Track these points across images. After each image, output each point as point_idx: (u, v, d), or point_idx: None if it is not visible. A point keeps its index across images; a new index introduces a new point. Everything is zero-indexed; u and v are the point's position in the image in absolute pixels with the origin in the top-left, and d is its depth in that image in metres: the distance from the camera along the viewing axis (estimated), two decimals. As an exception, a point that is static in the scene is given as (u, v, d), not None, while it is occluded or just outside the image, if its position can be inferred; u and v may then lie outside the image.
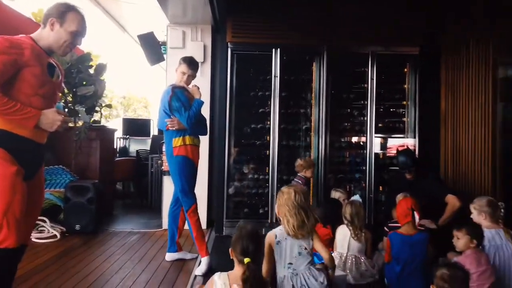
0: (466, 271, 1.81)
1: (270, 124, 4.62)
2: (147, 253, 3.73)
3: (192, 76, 3.47)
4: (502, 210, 3.04)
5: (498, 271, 2.76)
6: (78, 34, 2.16)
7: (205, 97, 4.49)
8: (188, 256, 3.54)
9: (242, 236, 1.97)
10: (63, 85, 4.99)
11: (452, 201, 3.58)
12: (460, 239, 2.67)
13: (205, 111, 4.26)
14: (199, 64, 4.13)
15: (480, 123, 4.13)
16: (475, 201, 3.03)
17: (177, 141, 3.34)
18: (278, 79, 4.59)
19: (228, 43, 4.59)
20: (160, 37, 5.31)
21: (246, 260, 1.91)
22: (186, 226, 3.48)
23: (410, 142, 4.75)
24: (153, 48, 5.09)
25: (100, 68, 5.31)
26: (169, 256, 3.51)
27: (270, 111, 4.63)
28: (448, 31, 4.65)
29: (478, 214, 2.96)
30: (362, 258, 3.04)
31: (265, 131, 4.69)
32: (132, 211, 5.94)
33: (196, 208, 3.38)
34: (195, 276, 3.09)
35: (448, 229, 2.86)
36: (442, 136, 4.73)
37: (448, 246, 2.83)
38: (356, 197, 3.54)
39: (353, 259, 3.02)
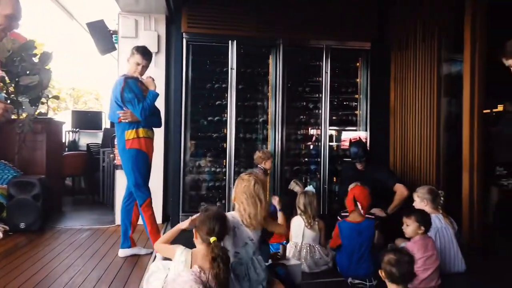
0: (411, 255, 1.91)
1: (227, 117, 4.60)
2: (98, 250, 3.59)
3: (146, 67, 3.36)
4: (442, 198, 3.28)
5: (441, 251, 2.97)
6: (13, 17, 2.01)
7: (160, 88, 4.38)
8: (143, 251, 3.46)
9: (208, 217, 1.99)
10: (4, 74, 4.68)
11: (400, 190, 3.77)
12: (409, 226, 2.82)
13: (160, 103, 4.15)
14: (153, 55, 4.03)
15: (426, 117, 4.37)
16: (418, 189, 3.29)
17: (129, 134, 3.23)
18: (234, 71, 4.57)
19: (183, 33, 4.50)
20: (112, 26, 5.08)
21: (213, 239, 1.93)
22: (140, 221, 3.40)
23: (362, 134, 4.93)
24: (103, 37, 4.86)
25: (45, 57, 5.00)
26: (123, 252, 3.40)
27: (227, 103, 4.60)
28: (397, 29, 4.85)
29: (420, 201, 3.21)
30: (316, 246, 3.13)
31: (222, 124, 4.66)
32: (83, 207, 5.69)
33: (150, 202, 3.31)
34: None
35: (397, 217, 3.02)
36: (392, 129, 4.95)
37: (398, 232, 3.00)
38: (310, 188, 3.63)
39: (308, 248, 3.10)
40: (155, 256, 3.18)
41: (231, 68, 4.57)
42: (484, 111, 3.91)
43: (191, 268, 1.93)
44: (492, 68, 3.70)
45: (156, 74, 3.91)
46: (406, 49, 4.70)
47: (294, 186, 4.05)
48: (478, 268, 3.12)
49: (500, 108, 6.19)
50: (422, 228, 2.78)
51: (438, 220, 3.09)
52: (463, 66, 3.79)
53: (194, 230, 2.04)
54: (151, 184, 3.39)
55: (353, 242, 2.84)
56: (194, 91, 4.63)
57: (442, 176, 4.22)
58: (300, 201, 3.24)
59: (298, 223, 3.24)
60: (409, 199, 3.73)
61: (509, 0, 4.26)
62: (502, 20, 4.01)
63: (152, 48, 4.44)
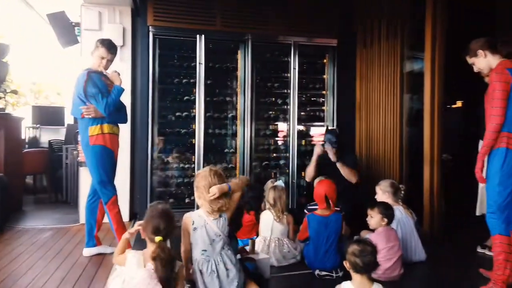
0: (374, 245, 1.99)
1: (195, 112, 4.55)
2: (62, 249, 3.47)
3: (111, 61, 3.27)
4: (403, 192, 3.43)
5: (402, 242, 3.10)
6: None
7: (126, 83, 4.27)
8: (109, 250, 3.37)
9: (153, 215, 1.98)
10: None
11: (353, 174, 3.87)
12: (373, 218, 2.93)
13: (126, 98, 4.07)
14: (118, 48, 3.91)
15: (390, 112, 4.52)
16: (381, 183, 3.44)
17: (93, 130, 3.14)
18: (203, 66, 4.53)
19: (150, 26, 4.40)
20: (74, 18, 4.89)
21: (158, 238, 1.92)
22: (106, 219, 3.31)
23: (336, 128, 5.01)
24: (65, 29, 4.68)
25: (2, 49, 4.76)
26: (87, 252, 3.30)
27: (195, 99, 4.55)
28: (362, 27, 4.96)
29: (382, 193, 3.35)
30: (285, 240, 3.18)
31: (191, 120, 4.61)
32: (45, 206, 5.46)
33: (116, 200, 3.23)
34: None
35: (362, 209, 3.12)
36: (357, 124, 5.08)
37: (363, 224, 3.10)
38: (279, 182, 3.67)
39: (276, 242, 3.14)
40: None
41: (199, 63, 4.52)
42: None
43: (144, 267, 1.92)
44: (453, 67, 3.89)
45: (121, 69, 3.81)
46: (371, 47, 4.83)
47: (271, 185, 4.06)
48: (437, 256, 3.28)
49: (459, 104, 6.50)
50: (385, 219, 2.90)
51: (399, 212, 3.22)
52: (424, 64, 3.94)
53: (141, 230, 2.03)
54: (117, 181, 3.32)
55: (320, 235, 2.91)
56: (162, 86, 4.55)
57: (405, 169, 4.38)
58: (270, 195, 3.28)
59: (267, 218, 3.27)
60: (372, 192, 3.87)
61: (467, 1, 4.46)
62: (460, 22, 4.21)
63: (117, 42, 4.31)
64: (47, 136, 7.14)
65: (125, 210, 4.32)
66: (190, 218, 2.25)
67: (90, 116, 3.11)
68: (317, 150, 3.99)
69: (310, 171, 4.03)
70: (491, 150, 2.50)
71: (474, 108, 3.20)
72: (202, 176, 2.29)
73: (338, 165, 3.84)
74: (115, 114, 3.21)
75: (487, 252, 3.31)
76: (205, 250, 2.20)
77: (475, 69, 2.73)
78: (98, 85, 3.09)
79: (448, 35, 3.89)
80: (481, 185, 3.30)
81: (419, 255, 3.19)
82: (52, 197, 6.00)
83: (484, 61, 2.61)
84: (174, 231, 2.05)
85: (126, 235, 2.15)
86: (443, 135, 3.89)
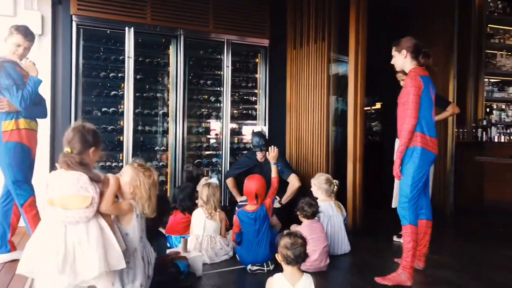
0: (303, 237, 2.09)
1: (123, 108, 4.36)
2: (-32, 258, 3.10)
3: (28, 49, 3.00)
4: (336, 187, 3.62)
5: (331, 236, 3.29)
6: None
7: (45, 75, 3.96)
8: (25, 256, 3.09)
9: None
10: None
11: (293, 181, 4.04)
12: (299, 214, 3.08)
13: (45, 92, 3.76)
14: (36, 37, 3.61)
15: (317, 113, 4.75)
16: (316, 177, 3.56)
17: (7, 125, 2.87)
18: (132, 60, 4.34)
19: (73, 16, 4.10)
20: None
21: (67, 149, 2.00)
22: (22, 223, 3.04)
23: (264, 128, 5.11)
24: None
25: None
26: (0, 258, 3.00)
27: (123, 94, 4.35)
28: (293, 28, 5.15)
29: (317, 189, 3.51)
30: (217, 237, 3.19)
31: (119, 116, 4.39)
32: None
33: (34, 201, 2.98)
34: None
35: (291, 205, 3.25)
36: (288, 123, 5.25)
37: (294, 219, 3.23)
38: (213, 180, 3.66)
39: (209, 239, 3.14)
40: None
41: (128, 57, 4.33)
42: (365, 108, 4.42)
43: None
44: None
45: (40, 59, 3.52)
46: (300, 48, 5.03)
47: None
48: (360, 248, 3.54)
49: (378, 106, 7.04)
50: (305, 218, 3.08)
51: (331, 208, 3.42)
52: (348, 67, 4.20)
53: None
54: (36, 181, 3.05)
55: (250, 229, 2.97)
56: (87, 80, 4.28)
57: (331, 167, 4.64)
58: (204, 192, 3.26)
59: (198, 216, 3.25)
60: (302, 189, 4.05)
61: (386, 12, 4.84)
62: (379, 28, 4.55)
63: (36, 30, 3.97)
64: None
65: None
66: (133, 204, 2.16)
67: (3, 111, 2.83)
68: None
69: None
70: (406, 149, 2.75)
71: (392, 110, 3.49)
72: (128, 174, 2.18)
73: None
74: (33, 108, 2.96)
75: (402, 241, 3.64)
76: (141, 237, 2.21)
77: (392, 61, 2.94)
78: (13, 76, 2.82)
79: (369, 41, 4.21)
80: (396, 180, 3.62)
81: (344, 248, 3.41)
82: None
83: (402, 60, 2.85)
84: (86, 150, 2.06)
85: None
86: (365, 134, 4.19)
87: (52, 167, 4.22)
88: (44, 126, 3.56)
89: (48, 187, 1.96)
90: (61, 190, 1.89)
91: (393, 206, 3.80)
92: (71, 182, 1.88)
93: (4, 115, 2.85)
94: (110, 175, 2.07)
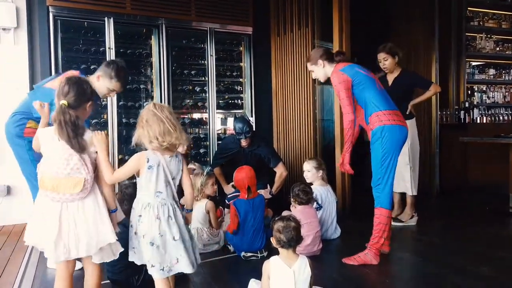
0: (297, 221, 2.07)
1: (106, 101, 4.25)
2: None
3: None
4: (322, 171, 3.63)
5: (323, 221, 3.31)
6: None
7: (22, 69, 3.84)
8: None
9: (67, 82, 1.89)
10: None
11: (280, 170, 4.03)
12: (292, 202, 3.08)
13: (24, 86, 3.64)
14: (12, 31, 3.49)
15: (303, 100, 4.74)
16: (311, 162, 3.54)
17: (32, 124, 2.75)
18: (113, 51, 4.23)
19: (49, 7, 3.96)
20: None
21: (63, 102, 1.82)
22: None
23: (251, 119, 5.08)
24: None
25: None
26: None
27: (106, 86, 4.24)
28: (276, 15, 5.10)
29: (312, 175, 3.50)
30: (205, 228, 3.16)
31: (102, 109, 4.29)
32: None
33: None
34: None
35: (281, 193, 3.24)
36: (274, 111, 5.23)
37: (284, 206, 3.23)
38: (208, 170, 3.65)
39: (197, 231, 3.11)
40: None
41: (109, 48, 4.22)
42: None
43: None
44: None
45: (16, 53, 3.39)
46: (284, 35, 4.99)
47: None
48: (349, 232, 3.57)
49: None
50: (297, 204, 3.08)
51: (329, 193, 3.44)
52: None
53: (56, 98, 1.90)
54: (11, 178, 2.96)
55: (248, 216, 2.97)
56: (66, 73, 4.16)
57: (319, 153, 4.65)
58: (197, 181, 3.22)
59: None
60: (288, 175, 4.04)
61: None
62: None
63: (10, 23, 3.86)
64: None
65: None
66: (145, 155, 1.95)
67: (40, 113, 2.71)
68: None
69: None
70: (371, 132, 2.75)
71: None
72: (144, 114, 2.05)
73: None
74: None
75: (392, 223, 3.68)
76: (160, 192, 1.94)
77: (313, 76, 3.03)
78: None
79: (352, 28, 4.21)
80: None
81: (336, 233, 3.44)
82: None
83: (322, 71, 2.90)
84: (83, 104, 1.92)
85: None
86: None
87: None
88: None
89: (41, 147, 1.86)
90: (51, 170, 1.78)
91: (413, 193, 3.81)
92: (62, 164, 1.76)
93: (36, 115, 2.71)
94: (94, 135, 1.89)
